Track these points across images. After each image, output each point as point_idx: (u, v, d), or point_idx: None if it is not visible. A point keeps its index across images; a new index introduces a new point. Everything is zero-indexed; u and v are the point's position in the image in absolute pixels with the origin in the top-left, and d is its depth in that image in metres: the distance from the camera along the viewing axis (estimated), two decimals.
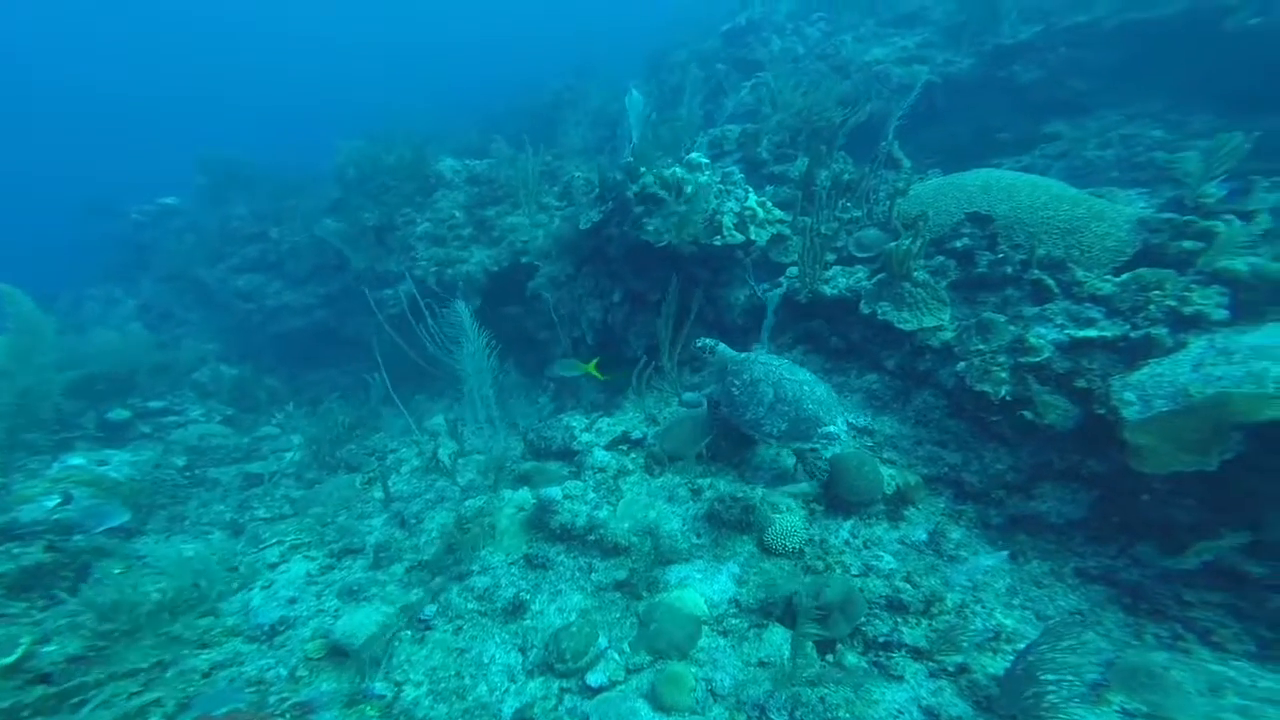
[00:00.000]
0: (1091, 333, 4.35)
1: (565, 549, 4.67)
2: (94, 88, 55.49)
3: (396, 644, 4.06)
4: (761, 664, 3.63)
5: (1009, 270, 5.13)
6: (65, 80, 55.16)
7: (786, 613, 3.87)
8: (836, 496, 4.55)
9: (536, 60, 23.41)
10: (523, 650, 3.98)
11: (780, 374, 4.60)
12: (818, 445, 4.48)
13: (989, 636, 3.56)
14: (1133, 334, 4.21)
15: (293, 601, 4.75)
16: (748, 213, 6.53)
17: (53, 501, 5.33)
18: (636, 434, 5.64)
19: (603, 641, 3.89)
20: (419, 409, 8.19)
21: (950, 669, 3.40)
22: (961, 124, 10.10)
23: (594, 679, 3.68)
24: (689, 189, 6.34)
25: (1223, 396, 3.35)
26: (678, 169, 6.56)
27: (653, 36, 16.87)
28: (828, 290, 5.88)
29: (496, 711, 3.59)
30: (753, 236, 6.41)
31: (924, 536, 4.34)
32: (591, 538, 4.60)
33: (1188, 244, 4.70)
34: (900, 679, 3.41)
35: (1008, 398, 4.36)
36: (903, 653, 3.54)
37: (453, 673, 3.86)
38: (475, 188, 10.05)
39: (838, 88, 9.88)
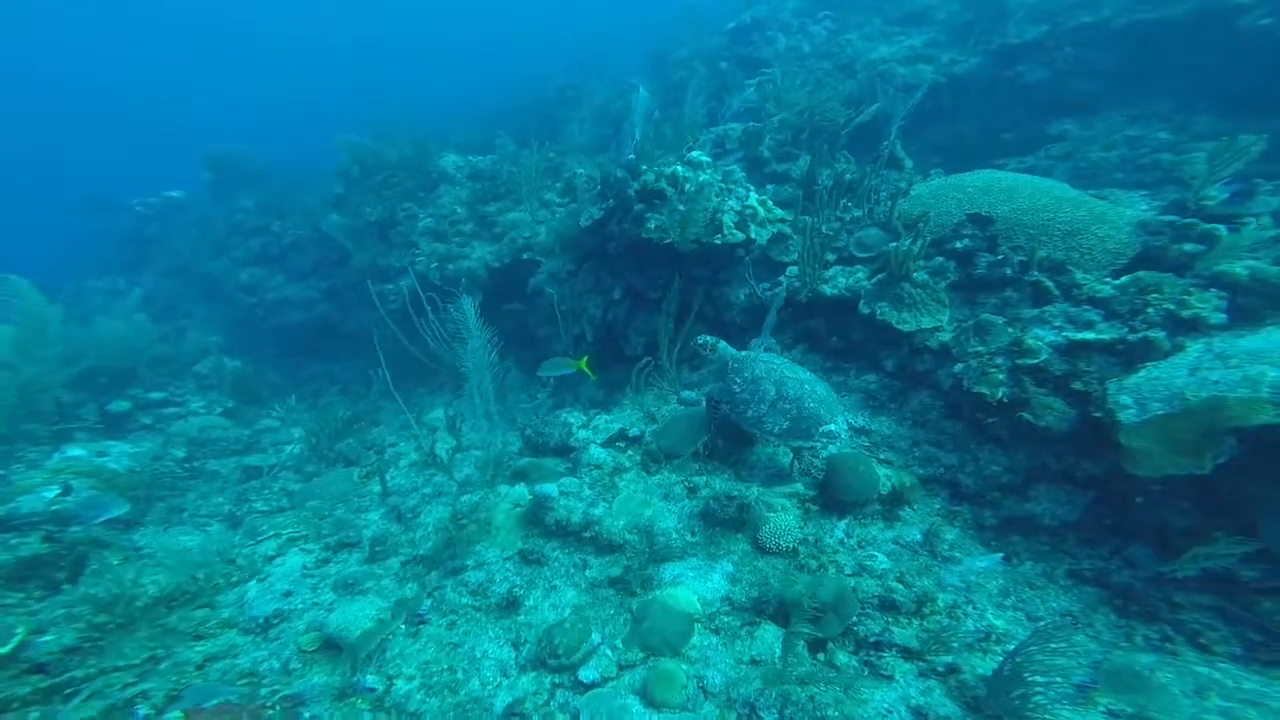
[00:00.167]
0: (1089, 335, 4.34)
1: (560, 545, 4.68)
2: (100, 84, 55.70)
3: (390, 638, 4.08)
4: (753, 662, 3.64)
5: (1008, 272, 5.12)
6: (71, 76, 55.40)
7: (779, 611, 3.88)
8: (831, 496, 4.55)
9: (541, 57, 23.36)
10: (516, 645, 4.00)
11: (782, 372, 4.60)
12: (819, 443, 4.47)
13: (979, 637, 3.56)
14: (1130, 337, 4.20)
15: (288, 594, 4.77)
16: (749, 211, 6.52)
17: (52, 492, 5.36)
18: (634, 431, 5.64)
19: (596, 637, 3.90)
20: (419, 403, 8.22)
21: (940, 669, 3.40)
22: (966, 124, 10.07)
23: (586, 675, 3.69)
24: (690, 187, 6.34)
25: (1217, 400, 3.34)
26: (679, 167, 6.56)
27: (657, 33, 16.83)
28: (828, 290, 5.88)
29: (488, 706, 3.61)
30: (753, 235, 6.40)
31: (918, 537, 4.33)
32: (587, 534, 4.61)
33: (1188, 247, 4.69)
34: (890, 678, 3.41)
35: (1004, 399, 4.36)
36: (893, 652, 3.54)
37: (445, 667, 3.88)
38: (478, 183, 10.06)
39: (842, 86, 9.87)
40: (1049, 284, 4.89)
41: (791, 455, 4.83)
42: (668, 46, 15.31)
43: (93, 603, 4.11)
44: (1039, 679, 2.81)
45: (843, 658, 3.59)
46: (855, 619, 3.71)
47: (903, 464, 4.84)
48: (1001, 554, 4.12)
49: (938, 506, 4.58)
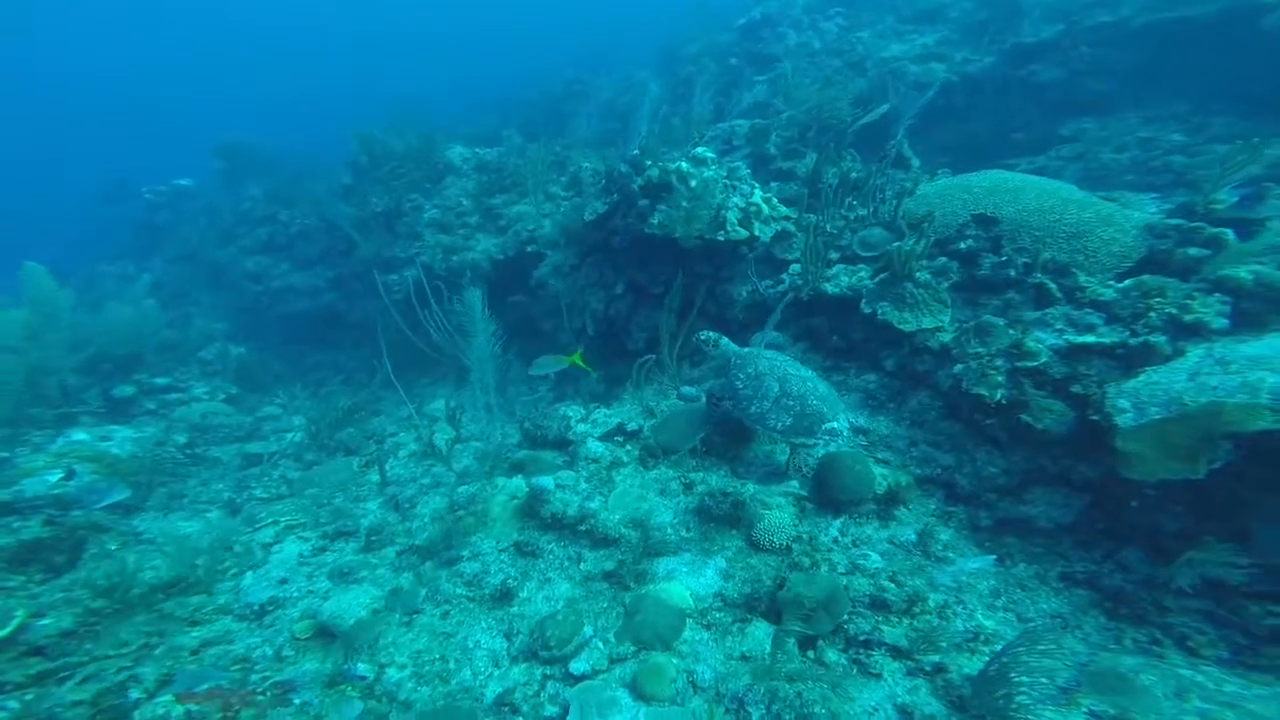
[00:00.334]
0: (1090, 339, 4.31)
1: (556, 538, 4.70)
2: (115, 75, 56.08)
3: (383, 627, 4.10)
4: (743, 658, 3.65)
5: (1012, 273, 5.09)
6: (88, 68, 55.81)
7: (770, 608, 3.89)
8: (827, 495, 4.54)
9: (551, 50, 23.41)
10: (508, 636, 4.02)
11: (785, 369, 4.59)
12: (822, 440, 4.46)
13: (968, 637, 3.57)
14: (1131, 341, 4.18)
15: (284, 582, 4.82)
16: (753, 208, 6.49)
17: (55, 476, 5.42)
18: (632, 426, 5.65)
19: (588, 630, 3.92)
20: (421, 394, 8.25)
21: (927, 668, 3.41)
22: (977, 123, 9.99)
23: (577, 667, 3.71)
24: (694, 183, 6.33)
25: (1215, 406, 3.32)
26: (683, 163, 6.54)
27: (668, 28, 16.77)
28: (830, 288, 5.86)
29: (479, 695, 3.64)
30: (757, 232, 6.37)
31: (913, 537, 4.33)
32: (582, 528, 4.63)
33: (1194, 251, 4.65)
34: (878, 677, 3.42)
35: (1003, 401, 4.34)
36: (882, 651, 3.54)
37: (438, 656, 3.91)
38: (484, 176, 10.07)
39: (852, 85, 9.83)
40: (1052, 286, 4.86)
41: (788, 453, 4.82)
42: (678, 42, 15.26)
43: (91, 588, 4.16)
44: (1024, 679, 2.81)
45: (832, 655, 3.60)
46: (846, 617, 3.72)
47: (900, 464, 4.83)
48: (994, 555, 4.12)
49: (933, 507, 4.57)
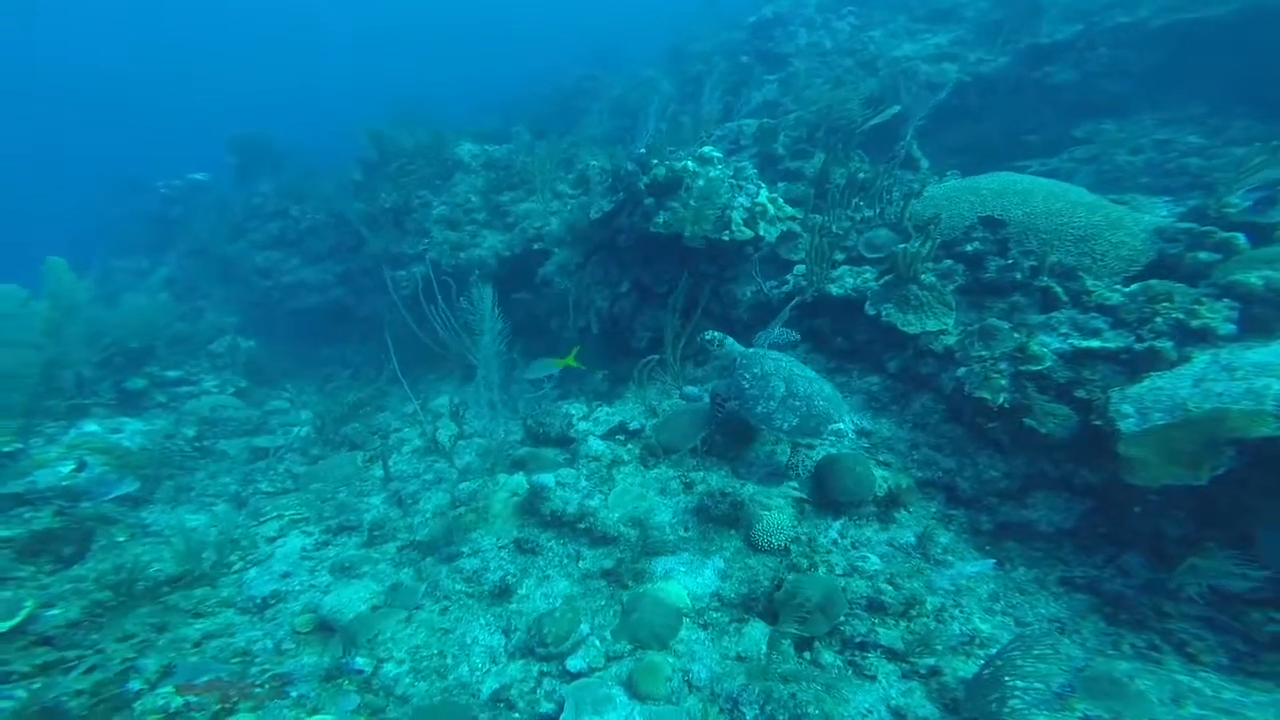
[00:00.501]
0: (1095, 343, 4.28)
1: (555, 535, 4.72)
2: (127, 68, 56.68)
3: (382, 622, 4.13)
4: (739, 658, 3.66)
5: (1018, 276, 5.05)
6: (97, 60, 56.40)
7: (768, 609, 3.89)
8: (827, 496, 4.54)
9: (563, 46, 23.42)
10: (506, 633, 4.05)
11: (791, 369, 4.58)
12: (827, 441, 4.46)
13: (964, 641, 3.56)
14: (1137, 346, 4.14)
15: (286, 576, 4.87)
16: (758, 209, 6.48)
17: (68, 468, 5.49)
18: (634, 425, 5.65)
19: (585, 628, 3.93)
20: (427, 389, 8.29)
21: (922, 671, 3.40)
22: (990, 124, 9.92)
23: (573, 664, 3.72)
24: (700, 183, 6.32)
25: (1219, 412, 3.29)
26: (689, 162, 6.53)
27: (679, 25, 16.74)
28: (834, 290, 5.84)
29: (475, 691, 3.66)
30: (762, 233, 6.36)
31: (912, 540, 4.31)
32: (581, 525, 4.64)
33: (1204, 255, 4.60)
34: (873, 679, 3.42)
35: (1005, 405, 4.31)
36: (878, 653, 3.54)
37: (435, 651, 3.94)
38: (492, 173, 10.10)
39: (863, 84, 9.77)
40: (1058, 290, 4.82)
41: (789, 454, 4.81)
42: (688, 39, 15.24)
43: (99, 581, 4.21)
44: (1018, 683, 2.80)
45: (828, 657, 3.59)
46: (843, 619, 3.71)
47: (901, 466, 4.81)
48: (994, 560, 4.09)
49: (934, 510, 4.55)
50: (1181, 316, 4.15)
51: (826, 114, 8.58)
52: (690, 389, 6.00)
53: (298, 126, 20.38)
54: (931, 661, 3.42)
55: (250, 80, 51.94)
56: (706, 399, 5.38)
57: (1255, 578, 3.21)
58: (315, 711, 3.54)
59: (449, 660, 3.87)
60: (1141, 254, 4.92)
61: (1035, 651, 2.98)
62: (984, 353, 4.64)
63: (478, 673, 3.78)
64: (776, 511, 4.41)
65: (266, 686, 3.66)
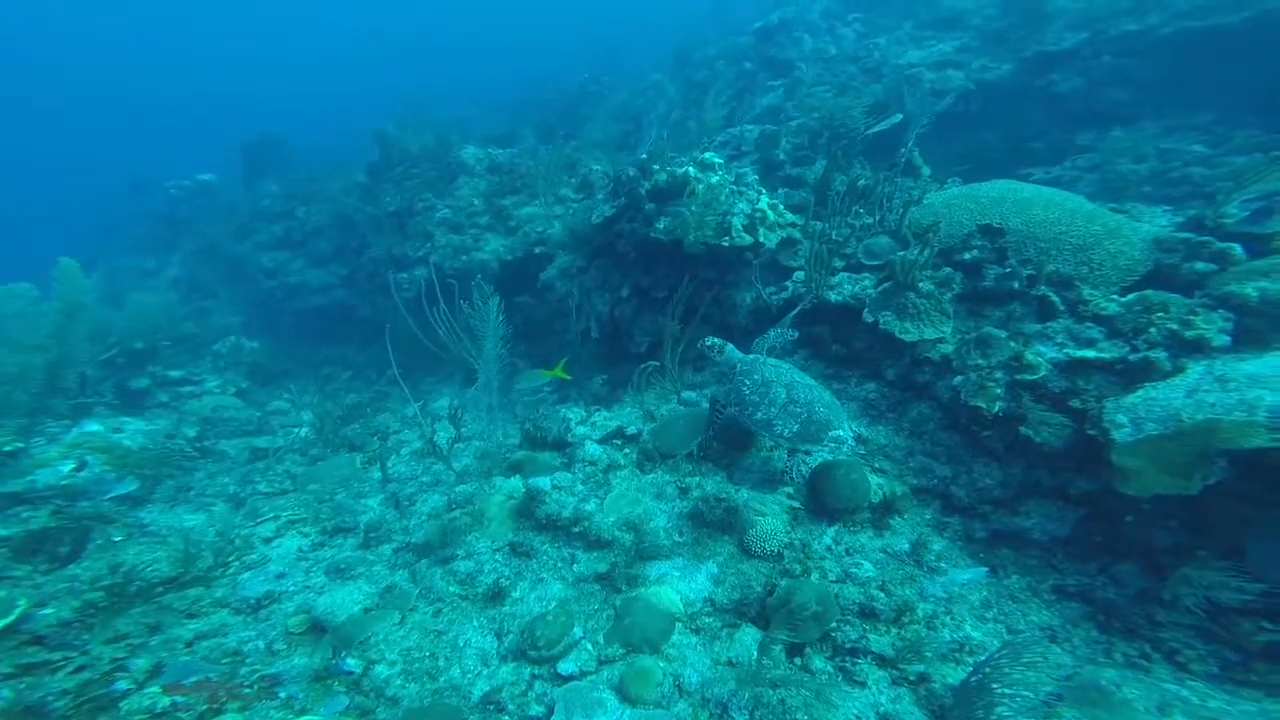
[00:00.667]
0: (1090, 353, 4.27)
1: (550, 539, 4.73)
2: (138, 67, 57.23)
3: (375, 624, 4.15)
4: (730, 663, 3.67)
5: (1015, 285, 5.05)
6: (107, 60, 56.97)
7: (760, 614, 3.90)
8: (822, 502, 4.54)
9: (571, 50, 23.53)
10: (499, 635, 4.07)
11: (792, 376, 4.60)
12: (827, 448, 4.47)
13: (954, 648, 3.56)
14: (1131, 356, 4.13)
15: (281, 576, 4.89)
16: (758, 215, 6.50)
17: (68, 467, 5.53)
18: (632, 429, 5.67)
19: (578, 632, 3.95)
20: (427, 391, 8.33)
21: (911, 678, 3.41)
22: (993, 132, 9.91)
23: (565, 667, 3.74)
24: (700, 188, 6.34)
25: (1212, 423, 3.29)
26: (690, 168, 6.56)
27: (685, 30, 16.81)
28: (833, 297, 5.85)
29: (467, 694, 3.68)
30: (762, 239, 6.38)
31: (906, 547, 4.32)
32: (576, 529, 4.66)
33: (1200, 266, 4.60)
34: (863, 685, 3.43)
35: (1001, 414, 4.32)
36: (868, 659, 3.55)
37: (428, 654, 3.96)
38: (495, 176, 10.15)
39: (867, 91, 9.79)
40: (1055, 299, 4.82)
41: (785, 460, 4.83)
42: (694, 44, 15.28)
43: (94, 582, 4.24)
44: (1006, 691, 2.80)
45: (819, 662, 3.60)
46: (834, 625, 3.72)
47: (897, 473, 4.81)
48: (986, 568, 4.09)
49: (928, 517, 4.55)
50: (1176, 327, 4.15)
51: (829, 121, 8.59)
52: (689, 394, 6.02)
53: (307, 128, 20.58)
54: (921, 668, 3.43)
55: (260, 82, 52.36)
56: (705, 405, 5.40)
57: (1250, 591, 3.21)
58: (303, 712, 3.56)
59: (441, 662, 3.89)
60: (1140, 264, 4.92)
61: (1024, 659, 2.99)
62: (981, 361, 4.64)
63: (469, 675, 3.80)
64: (771, 517, 4.42)
65: (255, 687, 3.68)
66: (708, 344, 5.15)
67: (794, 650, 3.68)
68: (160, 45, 58.30)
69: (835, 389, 5.58)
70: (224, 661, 3.96)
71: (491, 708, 3.55)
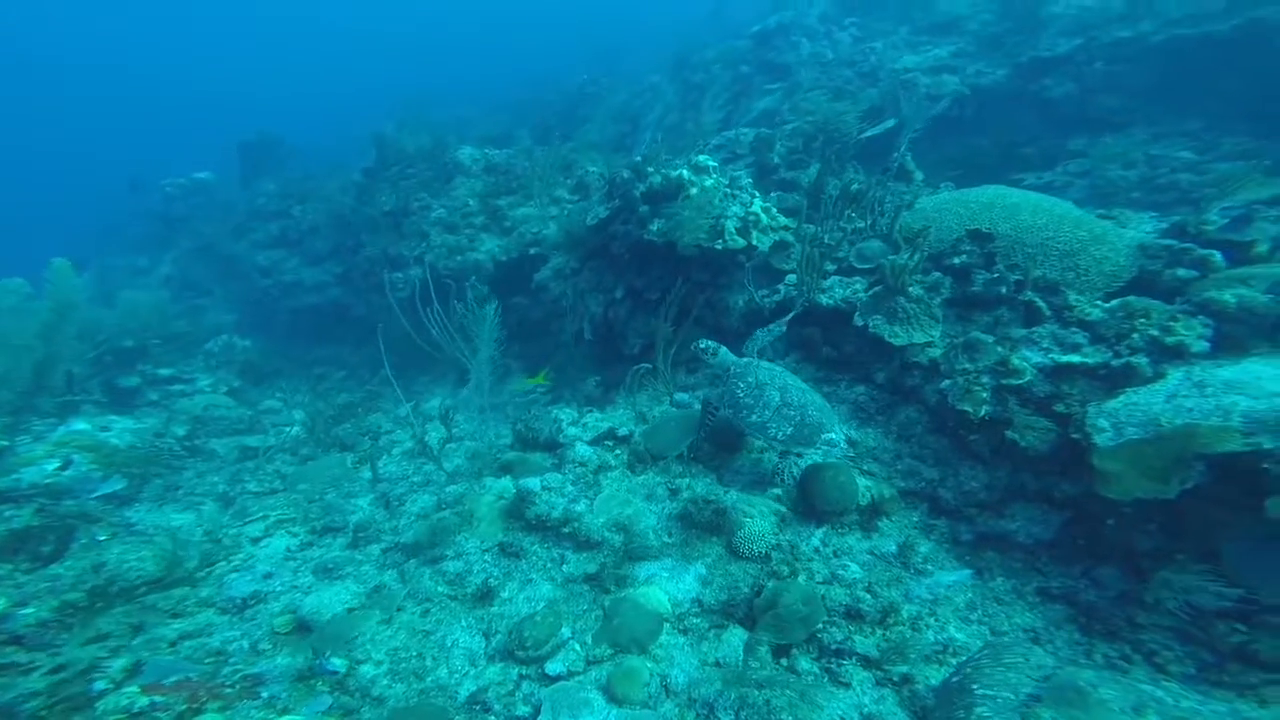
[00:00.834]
0: (1074, 358, 4.33)
1: (540, 539, 4.76)
2: (136, 65, 57.12)
3: (362, 623, 4.17)
4: (717, 664, 3.70)
5: (1003, 290, 5.10)
6: (104, 58, 56.85)
7: (748, 615, 3.93)
8: (810, 504, 4.58)
9: (571, 51, 23.59)
10: (487, 635, 4.08)
11: (785, 380, 4.64)
12: (820, 451, 4.51)
13: (938, 649, 3.60)
14: (1114, 362, 4.19)
15: (268, 576, 4.90)
16: (751, 218, 6.53)
17: (53, 465, 5.53)
18: (623, 431, 5.69)
19: (566, 632, 3.97)
20: (420, 391, 8.34)
21: (895, 679, 3.44)
22: (986, 137, 9.98)
23: (553, 668, 3.76)
24: (694, 191, 6.38)
25: (1189, 428, 3.34)
26: (685, 171, 6.59)
27: (683, 33, 16.84)
28: (824, 300, 5.90)
29: (453, 694, 3.70)
30: (755, 242, 6.41)
31: (893, 549, 4.36)
32: (566, 530, 4.68)
33: (1182, 272, 4.66)
34: (847, 686, 3.46)
35: (987, 417, 4.36)
36: (853, 661, 3.58)
37: (415, 654, 3.97)
38: (491, 177, 10.18)
39: (862, 95, 9.84)
40: (1041, 304, 4.87)
41: (775, 462, 4.86)
42: (692, 47, 15.31)
43: (75, 583, 4.23)
44: (986, 692, 2.84)
45: (805, 664, 3.63)
46: (820, 626, 3.75)
47: (885, 476, 4.85)
48: (970, 570, 4.13)
49: (916, 519, 4.59)
50: (1157, 333, 4.20)
51: (823, 125, 8.64)
52: (681, 396, 6.05)
53: (305, 127, 20.60)
54: (905, 669, 3.46)
55: (260, 81, 52.29)
56: (697, 406, 5.43)
57: (1230, 596, 3.25)
58: (285, 712, 3.56)
59: (428, 662, 3.91)
60: (1124, 270, 4.98)
61: (1005, 660, 3.03)
62: (968, 365, 4.68)
63: (456, 675, 3.82)
64: (759, 519, 4.45)
65: (237, 687, 3.67)
66: (701, 346, 5.18)
67: (780, 651, 3.71)
68: (160, 45, 58.22)
69: (826, 392, 5.61)
70: (207, 661, 3.95)
71: (478, 708, 3.57)
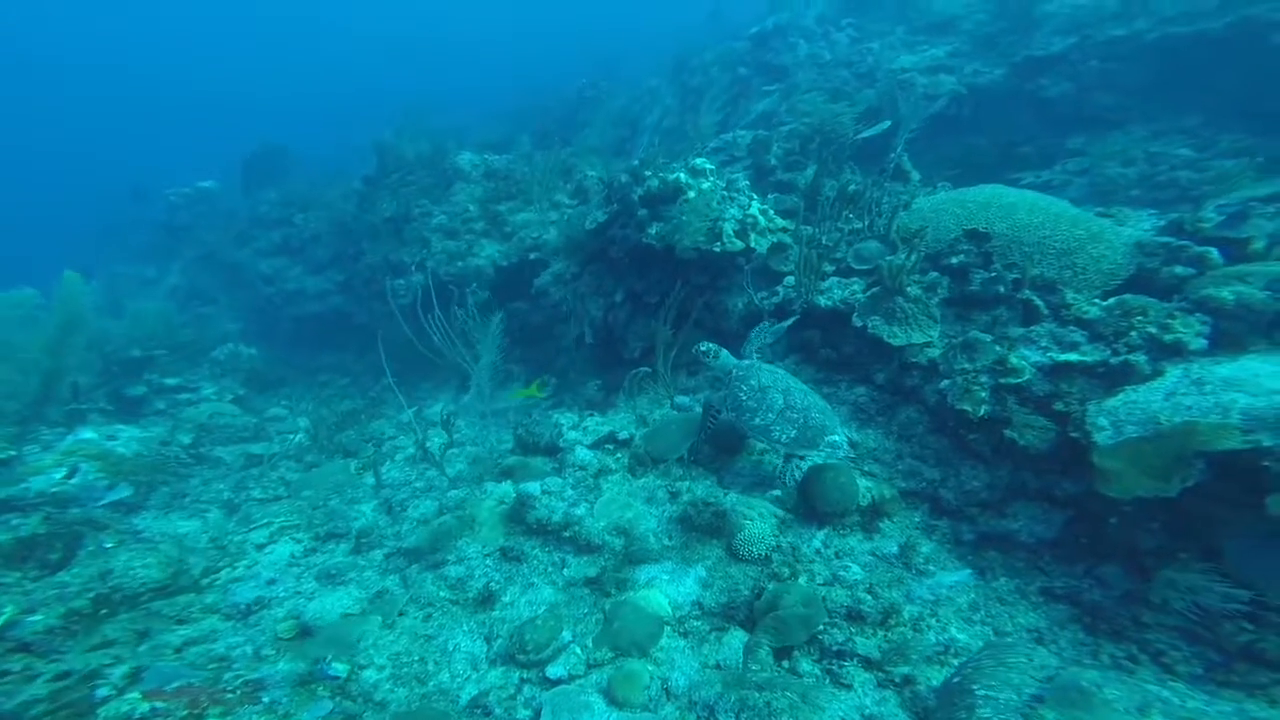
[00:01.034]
0: (1073, 357, 4.32)
1: (541, 544, 4.77)
2: (140, 72, 57.45)
3: (363, 628, 4.18)
4: (718, 666, 3.70)
5: (1001, 289, 5.11)
6: (108, 61, 57.19)
7: (749, 617, 3.93)
8: (811, 506, 4.58)
9: (573, 56, 23.65)
10: (489, 640, 4.10)
11: (788, 383, 4.66)
12: (823, 453, 4.51)
13: (939, 650, 3.59)
14: (1112, 360, 4.19)
15: (272, 582, 4.93)
16: (749, 220, 6.55)
17: (61, 474, 5.57)
18: (624, 434, 5.71)
19: (566, 636, 3.97)
20: (423, 397, 8.37)
21: (897, 680, 3.44)
22: (984, 136, 9.98)
23: (553, 671, 3.77)
24: (692, 194, 6.40)
25: (1189, 425, 3.33)
26: (682, 174, 6.61)
27: (682, 36, 16.87)
28: (823, 301, 5.90)
29: (455, 698, 3.71)
30: (753, 244, 6.43)
31: (895, 549, 4.35)
32: (566, 534, 4.70)
33: (1179, 269, 4.65)
34: (849, 687, 3.45)
35: (986, 417, 4.36)
36: (854, 662, 3.58)
37: (417, 658, 3.99)
38: (491, 182, 10.21)
39: (859, 96, 9.85)
40: (1039, 303, 4.87)
41: (777, 465, 4.86)
42: (691, 50, 15.35)
43: (82, 591, 4.26)
44: (988, 693, 2.84)
45: (806, 665, 3.63)
46: (821, 628, 3.75)
47: (886, 477, 4.86)
48: (971, 570, 4.13)
49: (917, 520, 4.59)
50: (1155, 331, 4.20)
51: (820, 126, 8.65)
52: (682, 399, 6.06)
53: (308, 135, 20.68)
54: (906, 670, 3.46)
55: (262, 88, 52.48)
56: (698, 409, 5.44)
57: (1240, 599, 3.23)
58: (286, 716, 3.57)
59: (430, 666, 3.92)
60: (1122, 268, 4.97)
61: (1008, 660, 3.02)
62: (966, 365, 4.68)
63: (458, 679, 3.83)
64: (759, 521, 4.46)
65: (239, 692, 3.69)
66: (702, 349, 5.19)
67: (781, 653, 3.71)
68: (161, 47, 58.53)
69: (826, 393, 5.61)
70: (210, 667, 3.97)
71: (479, 712, 3.58)
